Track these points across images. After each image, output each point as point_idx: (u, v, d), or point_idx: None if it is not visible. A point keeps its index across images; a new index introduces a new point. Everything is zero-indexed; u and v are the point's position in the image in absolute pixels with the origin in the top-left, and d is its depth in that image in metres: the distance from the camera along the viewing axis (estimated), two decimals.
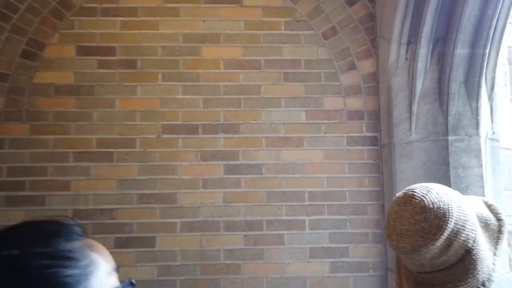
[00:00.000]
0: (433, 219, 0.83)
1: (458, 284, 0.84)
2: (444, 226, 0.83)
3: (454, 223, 0.84)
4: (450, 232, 0.83)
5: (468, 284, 0.84)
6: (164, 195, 2.57)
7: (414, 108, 2.43)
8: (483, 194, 2.25)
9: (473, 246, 0.85)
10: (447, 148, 2.32)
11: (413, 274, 0.89)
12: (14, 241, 0.49)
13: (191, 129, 2.63)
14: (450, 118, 2.34)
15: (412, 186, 0.90)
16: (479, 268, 0.85)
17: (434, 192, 0.87)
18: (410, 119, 2.44)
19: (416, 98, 2.43)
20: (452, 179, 2.28)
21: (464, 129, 2.33)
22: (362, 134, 2.67)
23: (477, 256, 0.85)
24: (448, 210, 0.84)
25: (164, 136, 2.62)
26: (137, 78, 2.65)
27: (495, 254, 0.89)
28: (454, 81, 2.34)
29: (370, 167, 2.64)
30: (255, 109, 2.67)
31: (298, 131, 2.66)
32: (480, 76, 2.32)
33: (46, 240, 0.50)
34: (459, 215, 0.85)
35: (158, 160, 2.60)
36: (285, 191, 2.61)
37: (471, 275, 0.84)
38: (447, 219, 0.83)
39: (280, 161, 2.63)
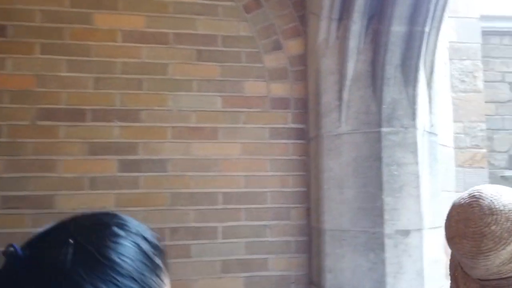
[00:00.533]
0: (504, 222, 0.79)
1: None
2: None
3: None
4: None
5: None
6: (38, 197, 2.02)
7: (345, 94, 2.08)
8: (418, 196, 1.94)
9: None
10: (380, 142, 1.98)
11: (474, 281, 0.85)
12: (125, 222, 0.48)
13: (77, 115, 2.11)
14: (384, 106, 2.01)
15: (478, 187, 0.86)
16: None
17: (504, 193, 0.83)
18: (340, 107, 2.09)
19: (347, 83, 2.08)
20: (384, 178, 1.95)
21: (399, 119, 2.00)
22: (287, 126, 2.28)
23: None
24: None
25: (40, 123, 2.08)
26: (7, 48, 2.08)
27: None
28: (390, 64, 2.01)
29: (295, 164, 2.26)
30: (160, 92, 2.19)
31: (212, 120, 2.22)
32: (418, 59, 2.00)
33: (146, 239, 0.47)
34: None
35: (31, 153, 2.05)
36: (194, 192, 2.16)
37: None
38: None
39: (189, 156, 2.18)
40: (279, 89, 2.29)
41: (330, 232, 2.05)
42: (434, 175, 2.09)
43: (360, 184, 2.00)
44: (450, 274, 0.91)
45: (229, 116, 2.24)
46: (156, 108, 2.18)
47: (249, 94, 2.27)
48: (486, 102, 4.24)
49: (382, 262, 1.91)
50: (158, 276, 0.47)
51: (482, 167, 4.14)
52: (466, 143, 3.99)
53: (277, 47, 2.32)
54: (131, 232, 0.47)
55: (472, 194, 0.84)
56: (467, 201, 0.83)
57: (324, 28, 2.16)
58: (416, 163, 1.97)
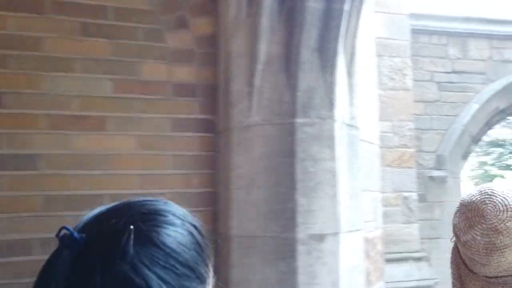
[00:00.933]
0: None
1: None
2: None
3: None
4: None
5: None
6: None
7: (256, 80, 1.80)
8: (335, 195, 1.71)
9: None
10: (293, 134, 1.73)
11: (480, 279, 0.83)
12: (176, 209, 0.50)
13: None
14: (299, 94, 1.76)
15: (486, 184, 0.87)
16: None
17: None
18: (251, 95, 1.81)
19: (259, 67, 1.80)
20: (298, 176, 1.70)
21: (315, 109, 1.76)
22: (193, 116, 1.97)
23: None
24: None
25: None
26: None
27: None
28: (305, 46, 1.76)
29: (201, 161, 1.95)
30: (33, 72, 1.79)
31: (99, 107, 1.85)
32: (336, 41, 1.78)
33: (196, 228, 0.50)
34: None
35: None
36: (74, 195, 1.77)
37: None
38: None
39: (69, 151, 1.79)
40: (183, 73, 1.97)
41: (237, 239, 1.77)
42: (354, 172, 1.88)
43: (272, 183, 1.74)
44: (453, 273, 0.91)
45: (122, 104, 1.88)
46: (26, 91, 1.77)
47: (147, 78, 1.92)
48: (414, 101, 4.23)
49: (293, 272, 1.65)
50: (207, 265, 0.49)
51: (410, 167, 4.10)
52: (395, 142, 3.93)
53: (182, 24, 1.99)
54: (185, 221, 0.48)
55: (484, 191, 0.84)
56: (479, 198, 0.83)
57: (234, 4, 1.87)
58: (333, 158, 1.74)
